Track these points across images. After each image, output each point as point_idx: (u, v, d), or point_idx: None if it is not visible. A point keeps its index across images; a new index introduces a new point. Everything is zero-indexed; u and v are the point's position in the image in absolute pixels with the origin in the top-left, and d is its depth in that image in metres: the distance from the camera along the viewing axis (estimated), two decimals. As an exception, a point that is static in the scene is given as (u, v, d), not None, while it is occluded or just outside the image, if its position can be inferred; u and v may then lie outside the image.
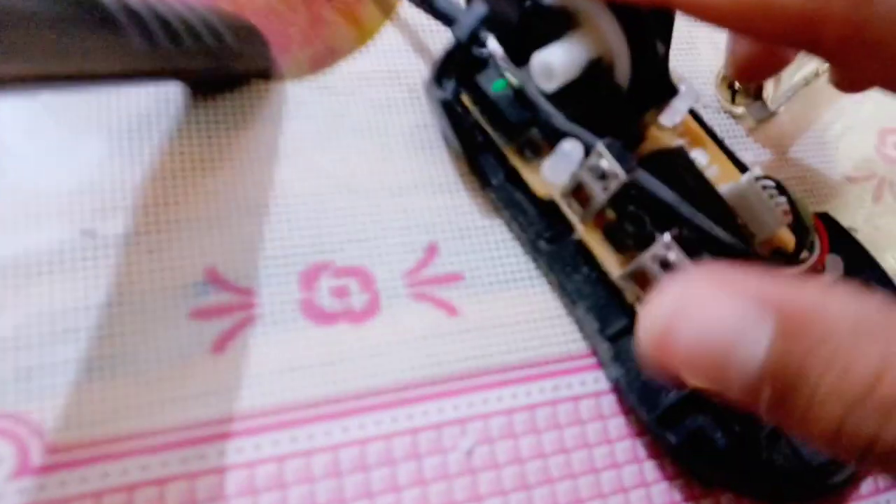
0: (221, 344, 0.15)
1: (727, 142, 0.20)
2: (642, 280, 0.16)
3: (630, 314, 0.17)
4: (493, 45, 0.17)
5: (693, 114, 0.21)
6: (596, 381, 0.17)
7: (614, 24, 0.16)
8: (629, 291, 0.17)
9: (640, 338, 0.12)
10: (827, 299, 0.11)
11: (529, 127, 0.18)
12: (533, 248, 0.18)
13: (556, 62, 0.17)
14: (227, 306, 0.16)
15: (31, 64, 0.12)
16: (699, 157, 0.20)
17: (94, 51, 0.13)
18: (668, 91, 0.18)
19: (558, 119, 0.17)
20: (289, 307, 0.16)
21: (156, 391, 0.14)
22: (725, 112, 0.22)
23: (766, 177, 0.18)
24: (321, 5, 0.20)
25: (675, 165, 0.19)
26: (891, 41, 0.12)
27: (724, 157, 0.20)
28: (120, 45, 0.13)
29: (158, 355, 0.15)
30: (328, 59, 0.19)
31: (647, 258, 0.16)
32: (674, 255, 0.15)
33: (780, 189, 0.17)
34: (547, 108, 0.17)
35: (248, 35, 0.17)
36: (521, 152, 0.18)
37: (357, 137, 0.18)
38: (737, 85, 0.21)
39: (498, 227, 0.18)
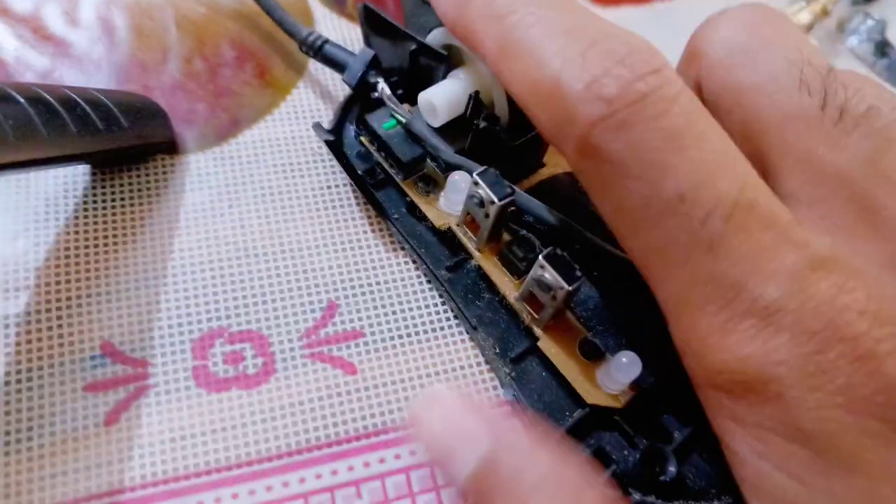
0: (115, 416, 0.16)
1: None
2: (534, 302, 0.16)
3: (531, 336, 0.17)
4: (382, 86, 0.18)
5: None
6: (499, 434, 0.17)
7: None
8: (524, 314, 0.17)
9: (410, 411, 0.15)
10: (534, 449, 0.13)
11: (423, 161, 0.18)
12: (435, 279, 0.18)
13: (438, 100, 0.17)
14: (122, 378, 0.16)
15: None
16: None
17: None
18: None
19: (446, 153, 0.18)
20: (181, 376, 0.16)
21: (47, 466, 0.15)
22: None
23: None
24: (228, 77, 0.20)
25: (572, 188, 0.19)
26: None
27: None
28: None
29: (52, 430, 0.15)
30: (233, 129, 0.20)
31: (529, 280, 0.16)
32: (549, 275, 0.15)
33: None
34: (435, 142, 0.18)
35: (147, 113, 0.18)
36: (416, 186, 0.18)
37: (258, 202, 0.19)
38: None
39: (400, 282, 0.18)
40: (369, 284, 0.18)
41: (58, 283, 0.17)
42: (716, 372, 0.12)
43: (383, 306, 0.18)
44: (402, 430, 0.16)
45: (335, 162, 0.20)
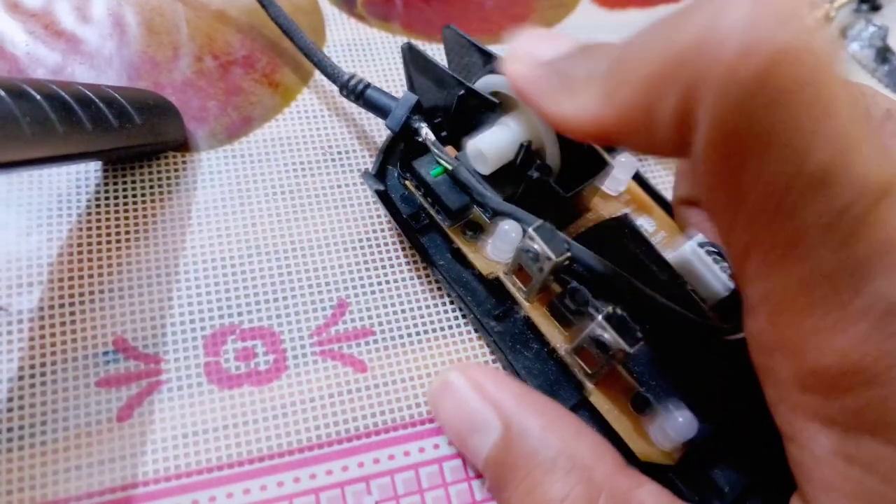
0: (127, 411, 0.16)
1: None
2: (587, 356, 0.16)
3: (581, 389, 0.16)
4: (426, 132, 0.17)
5: (639, 179, 0.20)
6: (506, 432, 0.17)
7: None
8: (576, 367, 0.16)
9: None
10: (546, 430, 0.14)
11: (469, 208, 0.18)
12: (482, 327, 0.17)
13: (487, 147, 0.17)
14: (134, 373, 0.16)
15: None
16: (646, 224, 0.19)
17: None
18: (600, 165, 0.18)
19: (493, 200, 0.17)
20: (193, 372, 0.16)
21: (61, 460, 0.15)
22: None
23: (710, 243, 0.17)
24: (239, 76, 0.21)
25: (619, 235, 0.18)
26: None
27: (671, 222, 0.20)
28: (12, 132, 0.14)
29: (65, 425, 0.15)
30: (244, 128, 0.20)
31: (584, 337, 0.15)
32: (608, 336, 0.14)
33: (722, 255, 0.17)
34: (482, 190, 0.17)
35: (160, 111, 0.18)
36: (463, 233, 0.18)
37: (269, 200, 0.19)
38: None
39: (409, 281, 0.18)
40: (379, 283, 0.18)
41: (70, 278, 0.17)
42: (813, 373, 0.11)
43: (393, 305, 0.18)
44: (412, 426, 0.17)
45: (346, 162, 0.20)
